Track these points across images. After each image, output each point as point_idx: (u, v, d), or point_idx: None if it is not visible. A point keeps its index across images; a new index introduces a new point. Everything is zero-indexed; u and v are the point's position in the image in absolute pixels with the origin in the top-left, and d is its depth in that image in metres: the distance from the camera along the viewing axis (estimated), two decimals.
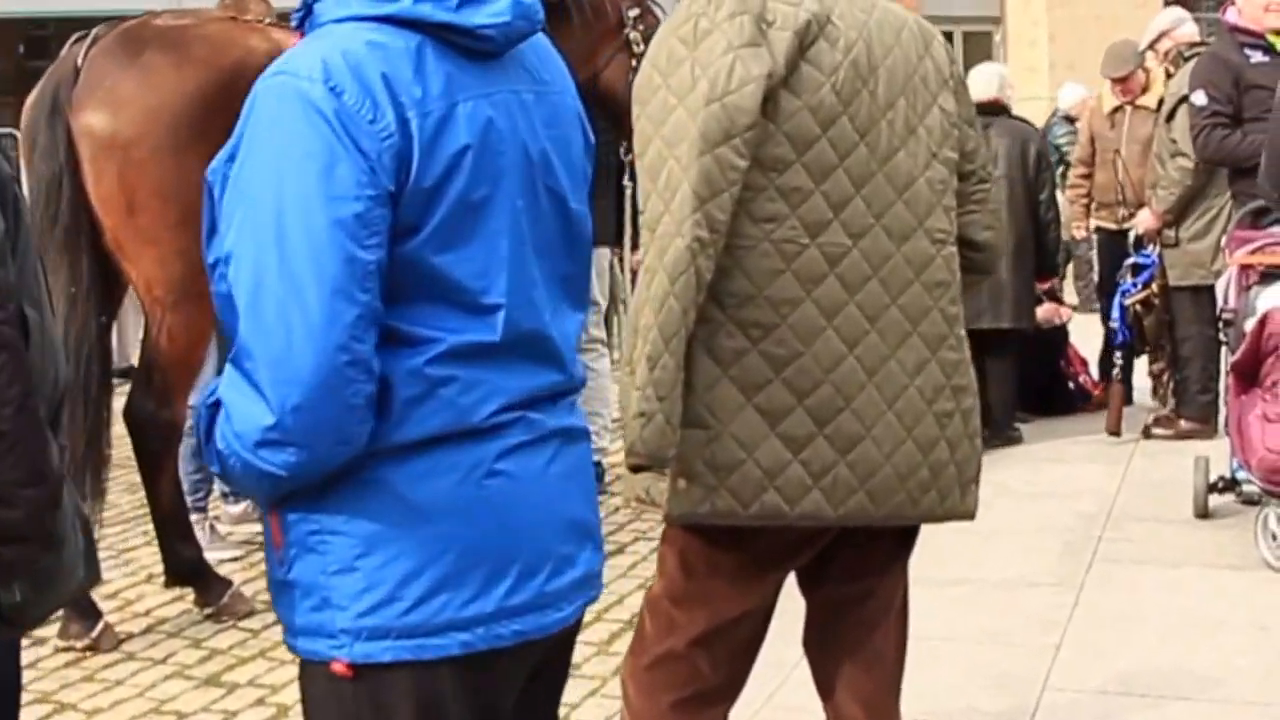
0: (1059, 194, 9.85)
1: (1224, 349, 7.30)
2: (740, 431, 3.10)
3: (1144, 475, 8.15)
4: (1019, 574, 6.44)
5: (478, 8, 2.29)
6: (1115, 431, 8.85)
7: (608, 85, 6.97)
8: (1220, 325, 7.21)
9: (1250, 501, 6.95)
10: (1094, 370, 10.14)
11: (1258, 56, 8.04)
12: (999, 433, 8.79)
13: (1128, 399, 9.22)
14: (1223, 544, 6.78)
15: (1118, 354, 9.22)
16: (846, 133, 3.12)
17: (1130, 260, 9.24)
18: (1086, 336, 10.39)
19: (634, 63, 6.72)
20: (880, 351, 3.17)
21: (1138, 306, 9.19)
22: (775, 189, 3.08)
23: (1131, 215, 9.67)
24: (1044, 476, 8.24)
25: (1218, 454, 7.31)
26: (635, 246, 6.78)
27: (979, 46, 27.99)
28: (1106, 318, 9.92)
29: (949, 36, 30.17)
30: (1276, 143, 4.46)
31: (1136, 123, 10.07)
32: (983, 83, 9.09)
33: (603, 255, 8.19)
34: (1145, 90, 10.12)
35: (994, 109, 9.00)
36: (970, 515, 3.36)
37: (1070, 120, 13.62)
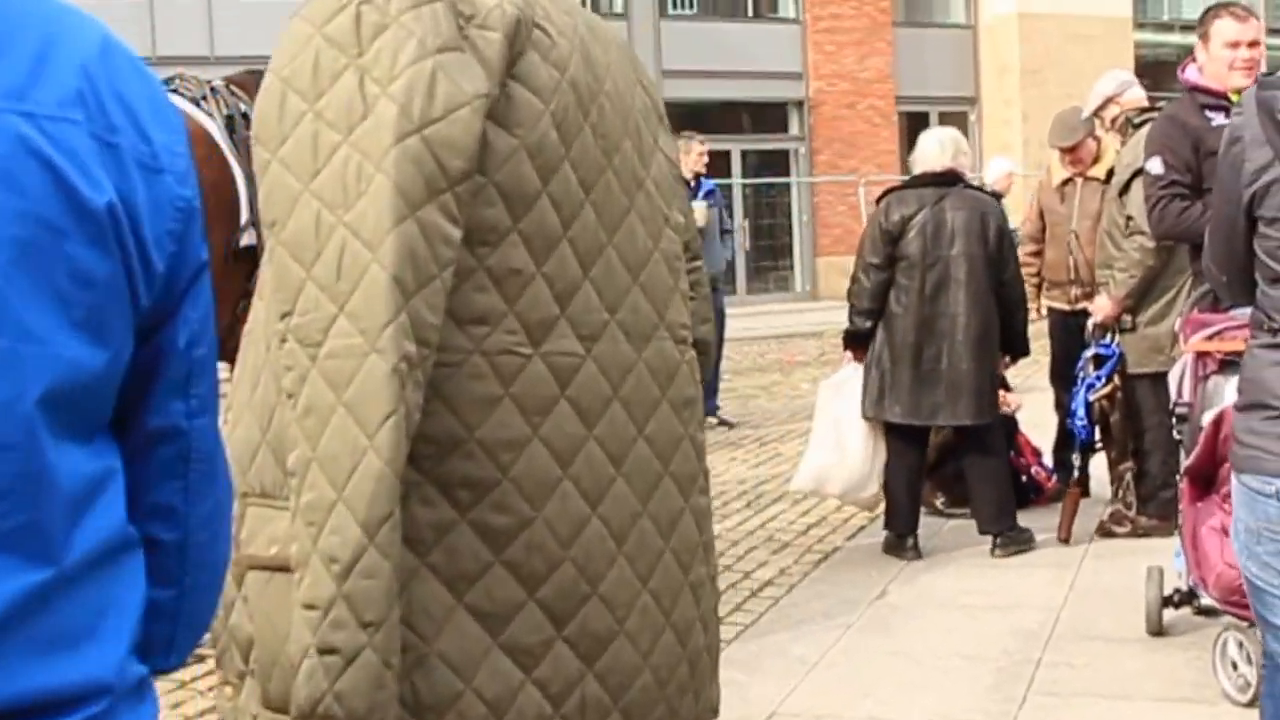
0: None
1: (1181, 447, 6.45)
2: (451, 648, 2.12)
3: (1095, 582, 7.32)
4: (942, 712, 5.56)
5: None
6: (1066, 540, 8.05)
7: None
8: (1174, 420, 6.34)
9: (1208, 612, 6.12)
10: (1048, 459, 9.34)
11: (1219, 119, 7.12)
12: (1012, 540, 8.13)
13: (1085, 491, 8.40)
14: (1177, 670, 5.93)
15: (1075, 455, 8.37)
16: (570, 187, 2.19)
17: (1090, 352, 8.40)
18: (1037, 423, 9.57)
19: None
20: (630, 506, 2.27)
21: (1103, 402, 8.36)
22: (485, 272, 2.11)
23: (1086, 295, 8.88)
24: (982, 584, 7.39)
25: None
26: None
27: (955, 127, 27.24)
28: (1060, 406, 9.10)
29: (925, 118, 29.78)
30: (1220, 217, 3.64)
31: (1087, 195, 9.26)
32: (934, 150, 8.31)
33: None
34: (1096, 161, 9.31)
35: (948, 179, 8.20)
36: (715, 710, 2.47)
37: (996, 196, 12.79)
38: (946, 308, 8.21)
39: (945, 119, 28.29)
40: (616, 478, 2.24)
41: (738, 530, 9.02)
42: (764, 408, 14.98)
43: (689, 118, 28.41)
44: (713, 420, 13.03)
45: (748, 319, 22.84)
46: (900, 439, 8.31)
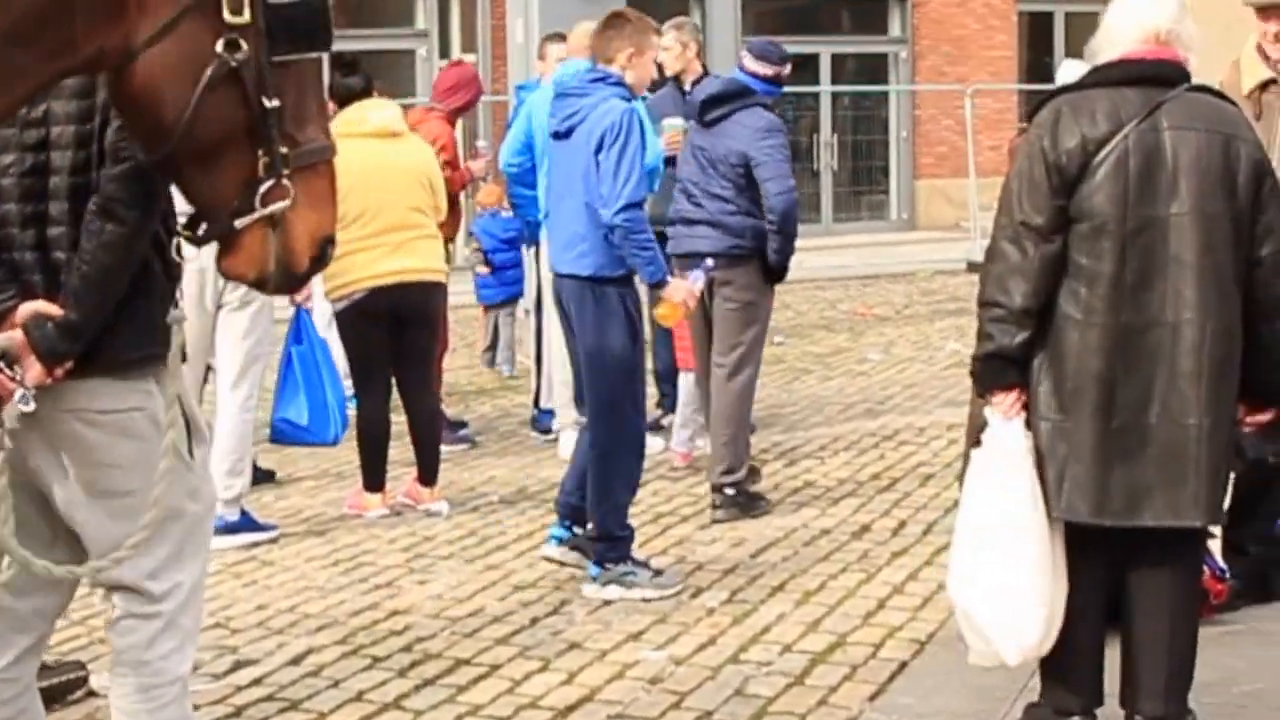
0: None
1: None
2: None
3: None
4: None
5: None
6: None
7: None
8: None
9: None
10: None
11: None
12: None
13: None
14: None
15: None
16: None
17: None
18: None
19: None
20: None
21: None
22: None
23: None
24: None
25: None
26: None
27: (1084, 28, 22.75)
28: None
29: (1048, 19, 25.75)
30: None
31: None
32: (1141, 17, 4.72)
33: None
34: None
35: (1164, 74, 4.62)
36: None
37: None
38: (1160, 311, 4.45)
39: (1073, 22, 24.22)
40: None
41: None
42: (811, 394, 11.01)
43: (774, 16, 24.74)
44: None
45: (831, 254, 18.95)
46: (1071, 553, 4.49)
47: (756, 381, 8.28)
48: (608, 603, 6.55)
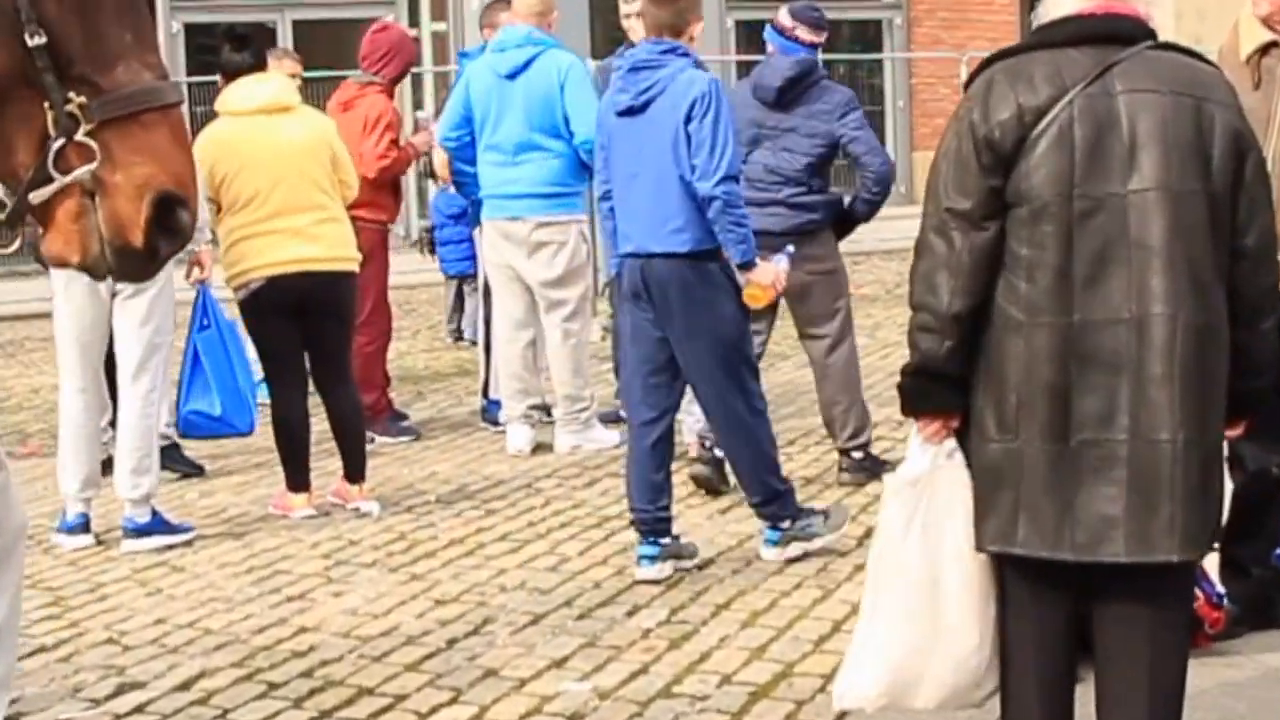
0: None
1: None
2: None
3: None
4: None
5: None
6: None
7: None
8: None
9: None
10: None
11: None
12: None
13: None
14: None
15: None
16: None
17: None
18: None
19: None
20: None
21: None
22: None
23: None
24: None
25: None
26: None
27: None
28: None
29: None
30: None
31: None
32: None
33: None
34: None
35: (1120, 31, 4.00)
36: None
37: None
38: (1121, 306, 3.84)
39: None
40: None
41: None
42: (785, 381, 10.42)
43: None
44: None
45: None
46: (1032, 590, 3.95)
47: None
48: (536, 620, 5.96)
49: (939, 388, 3.95)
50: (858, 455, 7.83)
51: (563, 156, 8.46)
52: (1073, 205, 3.77)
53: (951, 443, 4.00)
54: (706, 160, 6.26)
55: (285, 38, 19.76)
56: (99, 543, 7.14)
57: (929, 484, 4.01)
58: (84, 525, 7.12)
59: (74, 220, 2.93)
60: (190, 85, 16.21)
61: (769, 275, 6.59)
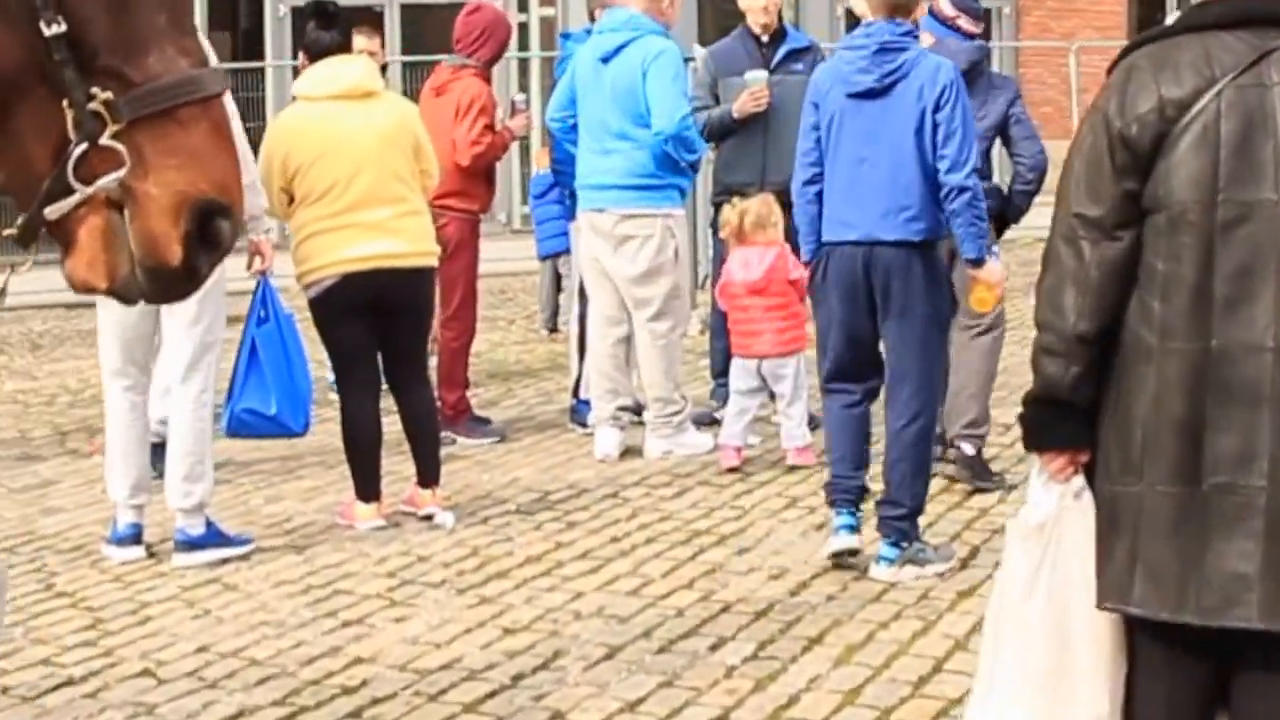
0: None
1: None
2: None
3: None
4: None
5: None
6: None
7: None
8: None
9: None
10: None
11: None
12: None
13: None
14: None
15: None
16: None
17: None
18: None
19: None
20: None
21: None
22: None
23: None
24: None
25: None
26: None
27: None
28: None
29: None
30: None
31: None
32: None
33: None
34: None
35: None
36: None
37: None
38: (1266, 332, 3.32)
39: None
40: None
41: None
42: None
43: None
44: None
45: None
46: (1166, 653, 3.43)
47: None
48: (611, 654, 5.47)
49: (1064, 419, 3.43)
50: (969, 450, 7.46)
51: (650, 147, 8.02)
52: (1215, 213, 3.23)
53: (1079, 481, 3.48)
54: (958, 150, 6.16)
55: (394, 22, 19.45)
56: (150, 555, 6.68)
57: (1054, 528, 3.49)
58: (135, 536, 6.66)
59: (98, 240, 2.52)
60: (295, 71, 15.86)
61: (998, 274, 6.49)
